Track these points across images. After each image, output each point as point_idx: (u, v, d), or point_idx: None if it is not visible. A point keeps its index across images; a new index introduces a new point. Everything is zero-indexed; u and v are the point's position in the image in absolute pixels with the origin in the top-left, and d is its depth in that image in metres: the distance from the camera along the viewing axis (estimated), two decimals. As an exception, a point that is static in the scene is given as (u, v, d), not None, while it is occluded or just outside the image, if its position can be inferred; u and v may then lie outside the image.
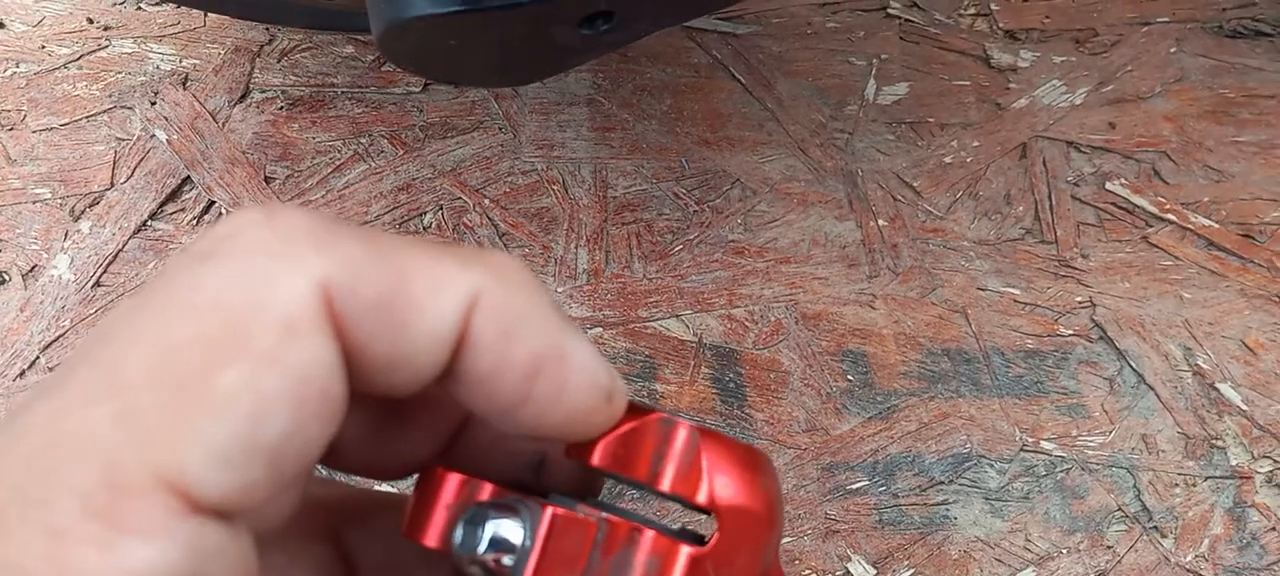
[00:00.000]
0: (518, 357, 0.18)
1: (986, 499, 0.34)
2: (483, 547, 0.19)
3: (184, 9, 0.41)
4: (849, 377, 0.35)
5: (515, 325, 0.18)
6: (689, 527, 0.22)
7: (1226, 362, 0.36)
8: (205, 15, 0.41)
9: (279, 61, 0.41)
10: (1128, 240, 0.38)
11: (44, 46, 0.41)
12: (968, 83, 0.42)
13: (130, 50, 0.41)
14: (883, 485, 0.34)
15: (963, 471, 0.34)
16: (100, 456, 0.13)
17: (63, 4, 0.41)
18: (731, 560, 0.21)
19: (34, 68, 0.40)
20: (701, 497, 0.20)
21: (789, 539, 0.33)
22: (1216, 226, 0.39)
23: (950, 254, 0.38)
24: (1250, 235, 0.39)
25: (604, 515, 0.20)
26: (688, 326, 0.36)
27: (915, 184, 0.39)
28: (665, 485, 0.20)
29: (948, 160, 0.40)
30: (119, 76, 0.40)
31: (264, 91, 0.40)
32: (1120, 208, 0.39)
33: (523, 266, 0.18)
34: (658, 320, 0.36)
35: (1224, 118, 0.41)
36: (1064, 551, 0.33)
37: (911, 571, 0.32)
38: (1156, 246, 0.38)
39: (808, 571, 0.32)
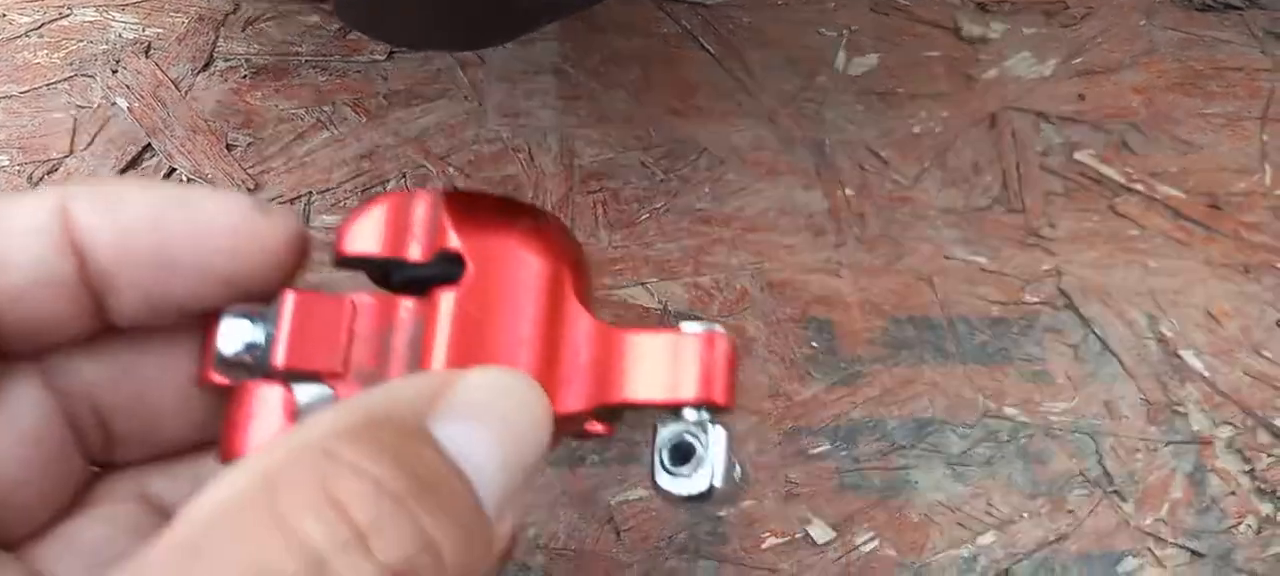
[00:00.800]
0: (134, 215, 0.21)
1: (948, 463, 0.33)
2: (228, 349, 0.21)
3: (148, -23, 0.40)
4: (813, 344, 0.35)
5: (117, 201, 0.21)
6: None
7: (1190, 330, 0.36)
8: (169, -16, 0.41)
9: (243, 31, 0.40)
10: (1095, 210, 0.38)
11: (4, 15, 0.40)
12: (938, 54, 0.42)
13: (92, 19, 0.40)
14: (845, 449, 0.34)
15: (925, 436, 0.34)
16: None
17: (25, -29, 0.41)
18: (490, 297, 0.21)
19: (-4, 35, 0.40)
20: (451, 244, 0.22)
21: (750, 501, 0.33)
22: (1183, 197, 0.39)
23: (917, 223, 0.38)
24: (1217, 205, 0.39)
25: (364, 296, 0.22)
26: (653, 294, 0.36)
27: (883, 154, 0.39)
28: (416, 253, 0.22)
29: (916, 130, 0.40)
30: (80, 45, 0.40)
31: (228, 60, 0.40)
32: (1088, 177, 0.39)
33: (119, 178, 0.21)
34: (623, 288, 0.36)
35: (1192, 90, 0.41)
36: (1025, 515, 0.33)
37: (872, 534, 0.32)
38: (1123, 216, 0.38)
39: (767, 534, 0.32)
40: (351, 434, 0.17)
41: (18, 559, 0.22)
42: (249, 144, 0.38)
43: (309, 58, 0.40)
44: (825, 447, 0.33)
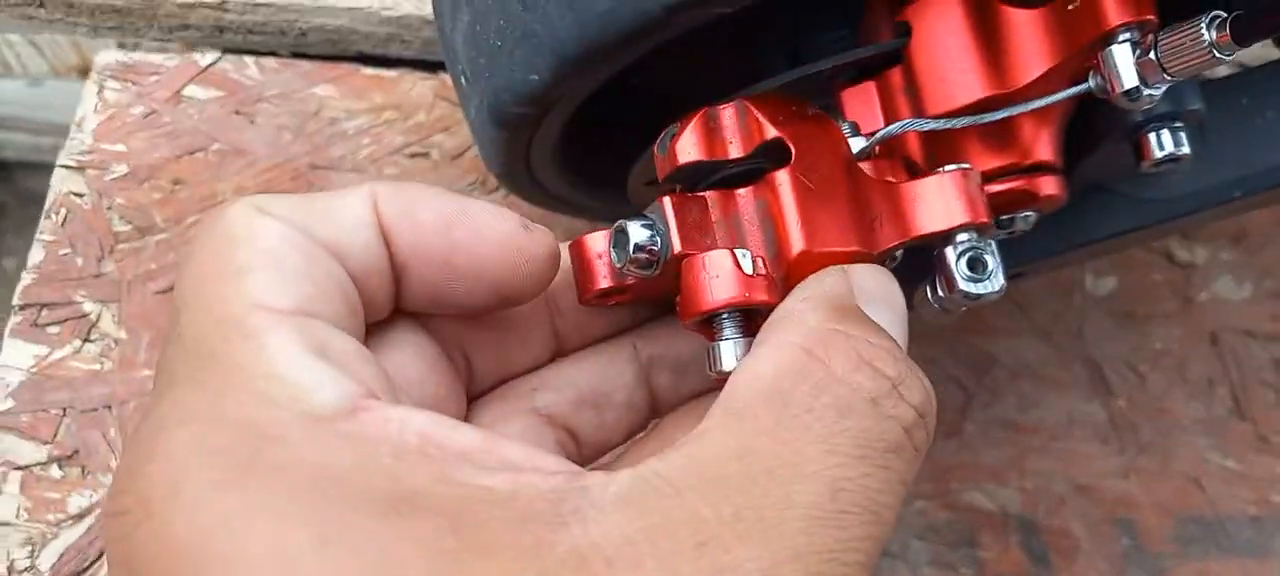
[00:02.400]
0: (426, 220, 0.24)
1: (1246, 645, 0.42)
2: (631, 249, 0.24)
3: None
4: (1124, 542, 0.43)
5: (414, 203, 0.24)
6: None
7: (1396, 524, 0.45)
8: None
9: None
10: (1305, 418, 0.48)
11: (399, 233, 0.45)
12: (1161, 277, 0.51)
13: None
14: (1169, 636, 0.42)
15: (1224, 622, 0.42)
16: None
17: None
18: (812, 169, 0.25)
19: (395, 253, 0.45)
20: (769, 136, 0.26)
21: (1108, 684, 0.40)
22: (1367, 406, 0.48)
23: (1177, 431, 0.46)
24: (1394, 414, 0.48)
25: (710, 192, 0.26)
26: (991, 498, 0.43)
27: (1140, 368, 0.48)
28: (735, 150, 0.26)
29: (1157, 347, 0.48)
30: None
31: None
32: (1294, 389, 0.48)
33: (414, 182, 0.26)
34: (966, 492, 0.43)
35: (1354, 310, 0.51)
36: (1310, 688, 0.41)
37: None
38: (1326, 423, 0.48)
39: None
40: (843, 319, 0.23)
41: None
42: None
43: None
44: (1154, 634, 0.41)
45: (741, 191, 0.26)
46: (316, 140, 0.46)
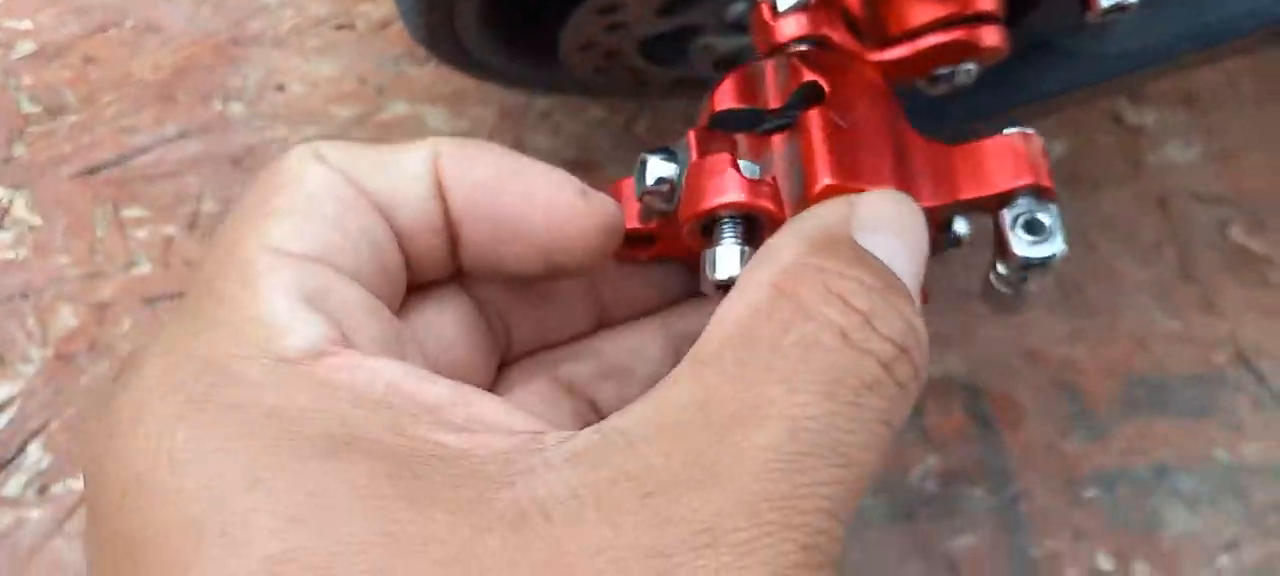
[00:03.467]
0: (481, 179, 0.24)
1: (1184, 501, 0.42)
2: (650, 180, 0.24)
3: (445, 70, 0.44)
4: (1069, 404, 0.43)
5: (472, 159, 0.24)
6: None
7: (1335, 381, 0.46)
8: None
9: (543, 121, 0.45)
10: (1249, 279, 0.48)
11: (326, 108, 0.43)
12: (1111, 141, 0.50)
13: (406, 110, 0.44)
14: (1109, 495, 0.42)
15: (1164, 479, 0.43)
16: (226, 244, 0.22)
17: (333, 66, 0.44)
18: (848, 110, 0.24)
19: (322, 128, 0.43)
20: (807, 78, 0.25)
21: (1050, 541, 0.41)
22: (1311, 266, 0.48)
23: (1124, 294, 0.46)
24: (1337, 273, 0.49)
25: (742, 135, 0.25)
26: (937, 365, 0.43)
27: (1088, 234, 0.47)
28: (773, 100, 0.26)
29: (1107, 211, 0.48)
30: (400, 136, 0.43)
31: (536, 151, 0.44)
32: (1239, 251, 0.48)
33: (481, 140, 0.26)
34: (912, 360, 0.43)
35: (1303, 169, 0.51)
36: (1244, 539, 0.42)
37: (1145, 563, 0.41)
38: (1270, 284, 0.48)
39: (1069, 569, 0.40)
40: (819, 250, 0.22)
41: None
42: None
43: (608, 151, 0.45)
44: (1094, 493, 0.42)
45: (775, 137, 0.25)
46: (236, 14, 0.44)
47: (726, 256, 0.23)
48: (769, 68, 0.26)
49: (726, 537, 0.18)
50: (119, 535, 0.19)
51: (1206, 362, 0.45)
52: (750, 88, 0.26)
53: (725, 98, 0.26)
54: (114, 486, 0.19)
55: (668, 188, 0.24)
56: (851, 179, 0.23)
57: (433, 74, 0.44)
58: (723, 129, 0.26)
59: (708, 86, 0.41)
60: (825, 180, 0.23)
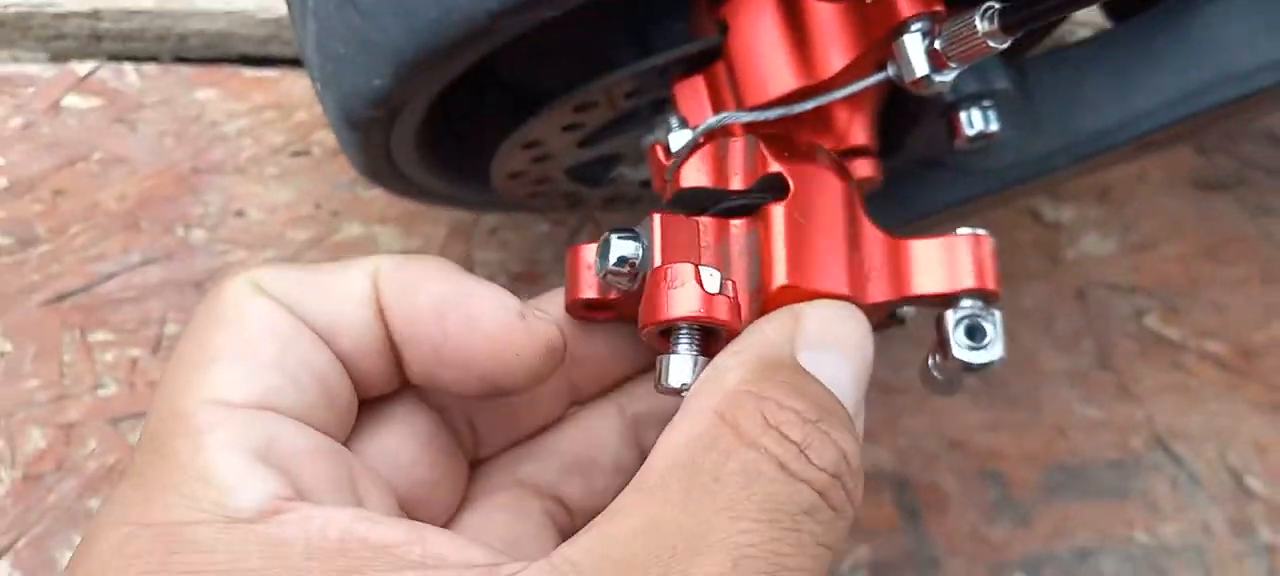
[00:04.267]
0: (423, 304, 0.24)
1: (1106, 582, 0.44)
2: (613, 260, 0.25)
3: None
4: (992, 492, 0.46)
5: (415, 281, 0.24)
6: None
7: (1248, 460, 0.48)
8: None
9: (491, 237, 0.47)
10: (1165, 365, 0.50)
11: (282, 233, 0.46)
12: (1029, 238, 0.53)
13: (360, 233, 0.46)
14: (1033, 578, 0.44)
15: (1086, 561, 0.45)
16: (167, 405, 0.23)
17: (290, 192, 0.47)
18: (810, 208, 0.25)
19: (281, 252, 0.45)
20: (772, 168, 0.26)
21: (976, 627, 0.43)
22: (1223, 350, 0.51)
23: (1044, 384, 0.49)
24: (1248, 355, 0.51)
25: (705, 217, 0.26)
26: (865, 458, 0.45)
27: (1009, 326, 0.50)
28: (737, 183, 0.27)
29: (1027, 304, 0.51)
30: (353, 256, 0.46)
31: (485, 267, 0.47)
32: (1155, 339, 0.51)
33: (419, 254, 0.27)
34: (842, 454, 0.45)
35: (1213, 259, 0.54)
36: (1165, 619, 0.44)
37: (1069, 645, 0.43)
38: (1184, 369, 0.50)
39: (995, 652, 0.42)
40: (760, 377, 0.22)
41: None
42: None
43: (552, 263, 0.47)
44: (1019, 577, 0.44)
45: (735, 222, 0.26)
46: (198, 144, 0.47)
47: (680, 366, 0.24)
48: (736, 147, 0.27)
49: None
50: None
51: (1124, 447, 0.48)
52: (716, 166, 0.27)
53: (691, 176, 0.27)
54: None
55: (630, 269, 0.25)
56: (807, 281, 0.25)
57: (385, 197, 0.47)
58: (685, 206, 0.27)
59: (641, 201, 0.44)
60: (781, 281, 0.25)
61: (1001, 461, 0.46)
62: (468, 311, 0.24)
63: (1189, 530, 0.46)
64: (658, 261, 0.25)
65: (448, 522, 0.28)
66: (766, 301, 0.25)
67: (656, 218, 0.26)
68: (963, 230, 0.26)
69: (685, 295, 0.24)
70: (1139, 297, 0.52)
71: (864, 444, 0.45)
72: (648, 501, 0.21)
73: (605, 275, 0.25)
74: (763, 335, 0.24)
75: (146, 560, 0.20)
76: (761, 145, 0.26)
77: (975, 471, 0.46)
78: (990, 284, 0.26)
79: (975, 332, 0.26)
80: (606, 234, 0.26)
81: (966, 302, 0.26)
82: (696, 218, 0.26)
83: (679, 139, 0.28)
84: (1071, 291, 0.51)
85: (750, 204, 0.26)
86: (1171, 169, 0.55)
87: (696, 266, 0.24)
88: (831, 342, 0.24)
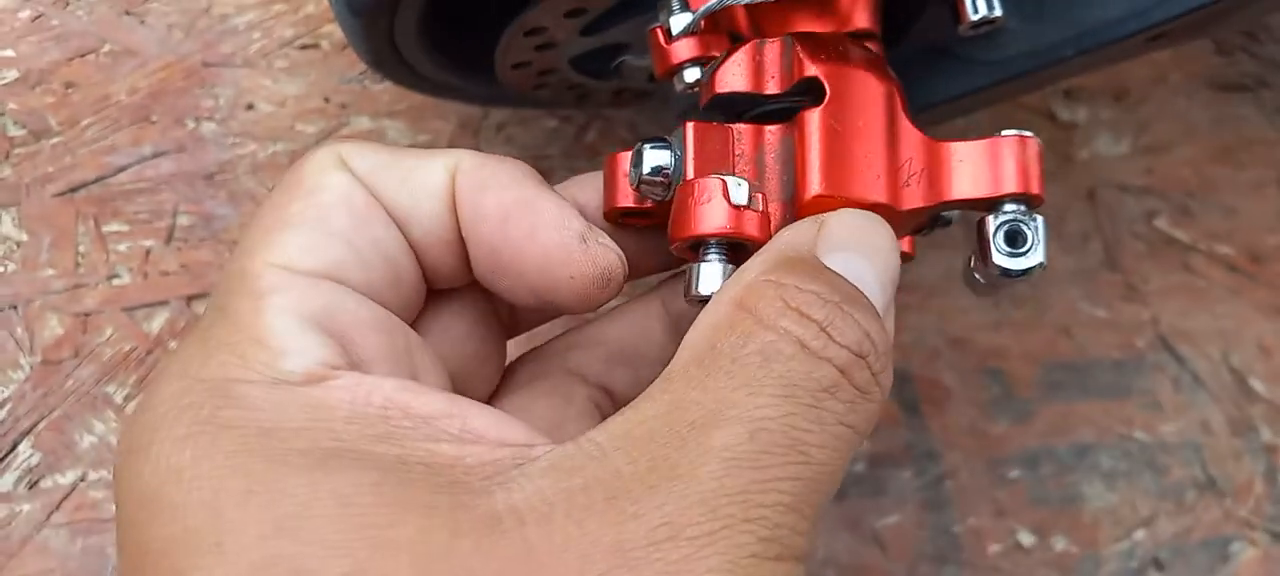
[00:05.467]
0: (489, 206, 0.25)
1: (1103, 478, 0.45)
2: (646, 169, 0.25)
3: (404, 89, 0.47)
4: (993, 388, 0.46)
5: (488, 182, 0.25)
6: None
7: (1251, 362, 0.48)
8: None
9: (498, 133, 0.48)
10: (1173, 267, 0.50)
11: (293, 127, 0.46)
12: (1043, 137, 0.52)
13: (368, 126, 0.47)
14: (1031, 473, 0.45)
15: (1084, 458, 0.45)
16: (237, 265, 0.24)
17: (299, 85, 0.47)
18: (847, 113, 0.25)
19: (290, 145, 0.46)
20: (809, 72, 0.25)
21: (973, 519, 0.44)
22: (1233, 253, 0.51)
23: (1051, 285, 0.49)
24: (1258, 259, 0.51)
25: (740, 124, 0.25)
26: (868, 354, 0.46)
27: (1017, 227, 0.50)
28: (773, 87, 0.26)
29: (1036, 205, 0.51)
30: (361, 151, 0.46)
31: (491, 162, 0.47)
32: (1164, 240, 0.51)
33: (505, 156, 0.28)
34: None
35: (1228, 162, 0.53)
36: (1161, 514, 0.45)
37: (1064, 538, 0.44)
38: (1193, 271, 0.50)
39: (991, 544, 0.43)
40: (779, 269, 0.22)
41: None
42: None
43: (560, 159, 0.47)
44: (1017, 472, 0.44)
45: (770, 128, 0.26)
46: (207, 37, 0.47)
47: (709, 274, 0.24)
48: (773, 49, 0.26)
49: (685, 531, 0.19)
50: (136, 545, 0.21)
51: (1128, 347, 0.48)
52: (752, 70, 0.27)
53: (726, 80, 0.27)
54: (132, 502, 0.21)
55: (665, 178, 0.25)
56: (842, 189, 0.25)
57: (393, 91, 0.47)
58: (722, 111, 0.27)
59: (649, 97, 0.44)
60: (816, 190, 0.25)
61: (1003, 359, 0.47)
62: (531, 223, 0.25)
63: (1188, 428, 0.47)
64: (690, 170, 0.25)
65: (490, 398, 0.29)
66: (800, 210, 0.25)
67: (690, 126, 0.25)
68: (1007, 132, 0.26)
69: (712, 211, 0.24)
70: (1150, 199, 0.51)
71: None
72: (670, 386, 0.22)
73: (640, 184, 0.26)
74: (783, 239, 0.24)
75: (196, 412, 0.21)
76: (798, 47, 0.26)
77: (977, 369, 0.46)
78: (1034, 188, 0.25)
79: (1015, 238, 0.25)
80: (640, 143, 0.26)
81: (1009, 207, 0.25)
82: (731, 125, 0.26)
83: (680, 22, 0.28)
84: (1083, 191, 0.51)
85: (787, 109, 0.26)
86: (1190, 69, 0.54)
87: (723, 180, 0.24)
88: (853, 244, 0.24)
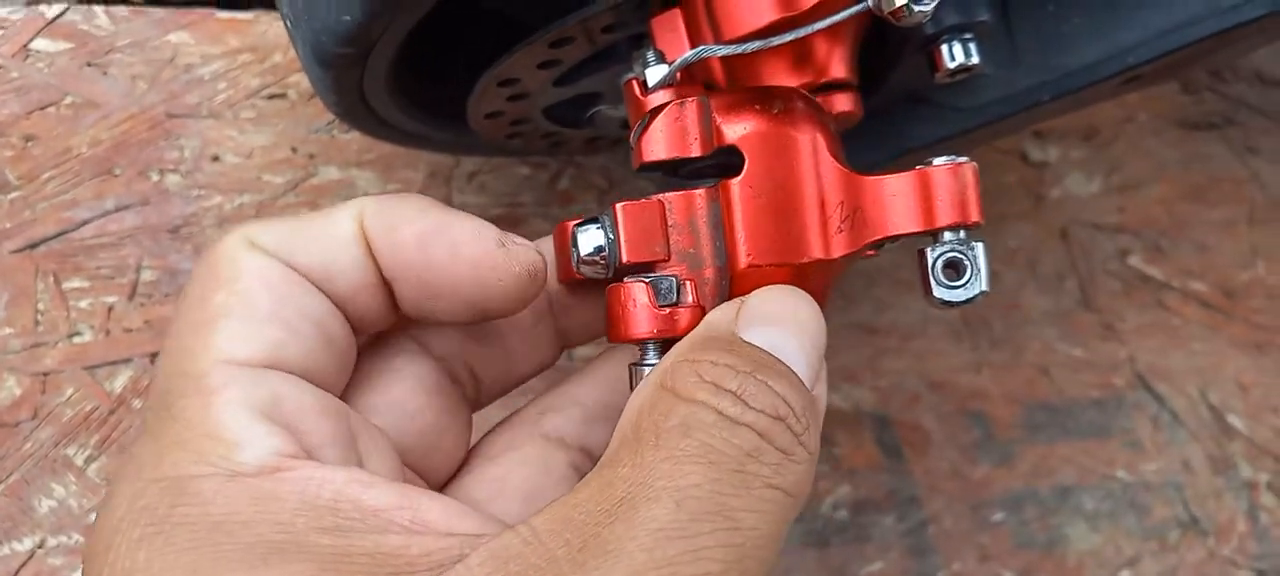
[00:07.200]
0: (407, 238, 0.25)
1: (1086, 519, 0.45)
2: (583, 254, 0.26)
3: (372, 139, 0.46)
4: (975, 431, 0.46)
5: (396, 218, 0.25)
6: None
7: (1229, 398, 0.48)
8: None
9: (470, 181, 0.47)
10: (1148, 304, 0.50)
11: (260, 177, 0.45)
12: (1015, 178, 0.53)
13: (337, 176, 0.46)
14: (1015, 516, 0.44)
15: (1067, 499, 0.45)
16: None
17: (266, 135, 0.46)
18: (768, 176, 0.25)
19: (257, 197, 0.45)
20: (727, 140, 0.26)
21: (957, 564, 0.43)
22: (1206, 290, 0.51)
23: (1027, 324, 0.49)
24: (1231, 294, 0.51)
25: (668, 194, 0.26)
26: (846, 398, 0.45)
27: (993, 267, 0.50)
28: (695, 150, 0.26)
29: (1011, 244, 0.51)
30: (331, 201, 0.45)
31: (464, 211, 0.46)
32: (1138, 278, 0.51)
33: (402, 193, 0.27)
34: (824, 395, 0.45)
35: (1197, 199, 0.54)
36: (1145, 554, 0.44)
37: (1048, 582, 0.43)
38: (1167, 308, 0.50)
39: (976, 589, 0.43)
40: (697, 348, 0.23)
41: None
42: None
43: (534, 206, 0.47)
44: (1001, 515, 0.44)
45: (698, 193, 0.26)
46: (172, 88, 0.46)
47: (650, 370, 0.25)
48: (691, 111, 0.27)
49: None
50: None
51: (1106, 386, 0.48)
52: (675, 135, 0.27)
53: (651, 149, 0.27)
54: None
55: (602, 259, 0.26)
56: (768, 256, 0.25)
57: (362, 141, 0.46)
58: (654, 171, 0.27)
59: (623, 143, 0.44)
60: (744, 262, 0.25)
61: (983, 401, 0.46)
62: (449, 240, 0.25)
63: (1169, 467, 0.46)
64: (624, 254, 0.26)
65: (458, 472, 0.29)
66: (733, 277, 0.26)
67: (619, 208, 0.26)
68: (938, 160, 0.26)
69: (639, 316, 0.25)
70: (1123, 237, 0.52)
71: (846, 386, 0.46)
72: (602, 470, 0.22)
73: (579, 265, 0.26)
74: (709, 320, 0.25)
75: (152, 513, 0.21)
76: (715, 114, 0.26)
77: (957, 411, 0.46)
78: (971, 216, 0.25)
79: (955, 269, 0.25)
80: (572, 229, 0.26)
81: (948, 236, 0.25)
82: (660, 197, 0.26)
83: (655, 74, 0.28)
84: (1055, 231, 0.51)
85: (719, 164, 0.27)
86: (1159, 109, 0.55)
87: (648, 284, 0.25)
88: (774, 319, 0.24)
